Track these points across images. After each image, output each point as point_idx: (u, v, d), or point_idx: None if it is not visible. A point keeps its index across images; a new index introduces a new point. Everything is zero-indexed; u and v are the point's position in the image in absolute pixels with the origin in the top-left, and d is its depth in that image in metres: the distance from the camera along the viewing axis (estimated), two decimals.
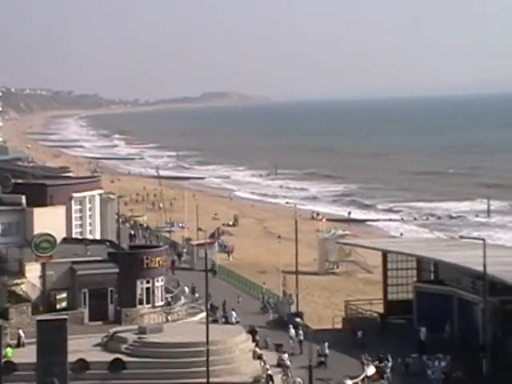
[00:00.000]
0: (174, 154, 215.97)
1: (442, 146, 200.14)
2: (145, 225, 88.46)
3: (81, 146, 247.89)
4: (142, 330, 40.76)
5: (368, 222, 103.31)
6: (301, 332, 43.49)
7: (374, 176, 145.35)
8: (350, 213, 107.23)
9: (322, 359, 40.15)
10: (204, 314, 44.28)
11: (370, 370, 36.46)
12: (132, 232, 79.88)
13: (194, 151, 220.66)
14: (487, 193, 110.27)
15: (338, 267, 71.44)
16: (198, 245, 68.32)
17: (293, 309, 50.87)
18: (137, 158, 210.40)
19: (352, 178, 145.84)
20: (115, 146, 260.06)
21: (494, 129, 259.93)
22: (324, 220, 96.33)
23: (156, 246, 54.89)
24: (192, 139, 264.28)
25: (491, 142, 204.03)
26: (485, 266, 37.59)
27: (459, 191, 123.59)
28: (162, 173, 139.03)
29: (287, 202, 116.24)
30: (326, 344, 40.56)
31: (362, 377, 34.81)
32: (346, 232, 78.96)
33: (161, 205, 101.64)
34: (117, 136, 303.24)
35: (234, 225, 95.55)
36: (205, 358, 36.36)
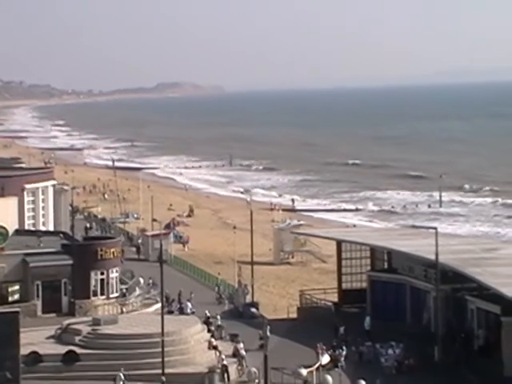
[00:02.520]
0: (128, 144, 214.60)
1: (373, 137, 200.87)
2: (99, 216, 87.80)
3: (25, 137, 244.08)
4: (96, 322, 40.49)
5: (320, 213, 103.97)
6: (218, 317, 44.39)
7: (309, 167, 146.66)
8: (293, 200, 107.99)
9: (263, 342, 40.76)
10: (159, 305, 44.14)
11: (325, 359, 36.71)
12: (87, 224, 79.22)
13: (147, 142, 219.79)
14: (439, 183, 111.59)
15: (293, 257, 71.75)
16: (153, 236, 68.08)
17: (248, 299, 51.03)
18: (90, 148, 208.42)
19: (291, 170, 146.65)
20: (55, 137, 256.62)
21: (434, 120, 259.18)
22: (280, 210, 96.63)
23: (110, 238, 54.46)
24: (144, 130, 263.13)
25: (424, 134, 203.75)
26: (437, 254, 38.13)
27: (386, 182, 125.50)
28: (118, 164, 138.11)
29: (243, 193, 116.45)
30: (268, 327, 41.29)
31: (316, 365, 35.03)
32: (301, 222, 79.29)
33: (106, 196, 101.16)
34: (58, 128, 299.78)
35: (189, 215, 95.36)
36: (160, 349, 36.33)
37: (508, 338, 36.54)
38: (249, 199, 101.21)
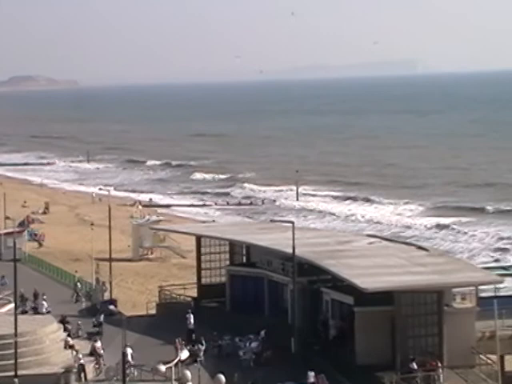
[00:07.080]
0: None
1: (190, 135, 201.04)
2: None
3: None
4: None
5: (179, 208, 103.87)
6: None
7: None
8: (151, 199, 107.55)
9: (98, 329, 42.53)
10: (12, 305, 42.67)
11: (184, 354, 36.61)
12: None
13: None
14: (296, 177, 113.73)
15: (152, 253, 71.28)
16: (5, 234, 66.08)
17: (106, 296, 50.28)
18: None
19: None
20: None
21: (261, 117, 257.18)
22: (139, 206, 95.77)
23: None
24: None
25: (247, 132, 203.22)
26: (293, 247, 38.89)
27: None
28: None
29: (100, 189, 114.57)
30: (102, 315, 43.16)
31: (175, 361, 34.90)
32: (160, 218, 78.93)
33: None
34: None
35: (44, 212, 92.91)
36: (13, 351, 35.17)
37: (360, 328, 37.76)
38: (94, 195, 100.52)
